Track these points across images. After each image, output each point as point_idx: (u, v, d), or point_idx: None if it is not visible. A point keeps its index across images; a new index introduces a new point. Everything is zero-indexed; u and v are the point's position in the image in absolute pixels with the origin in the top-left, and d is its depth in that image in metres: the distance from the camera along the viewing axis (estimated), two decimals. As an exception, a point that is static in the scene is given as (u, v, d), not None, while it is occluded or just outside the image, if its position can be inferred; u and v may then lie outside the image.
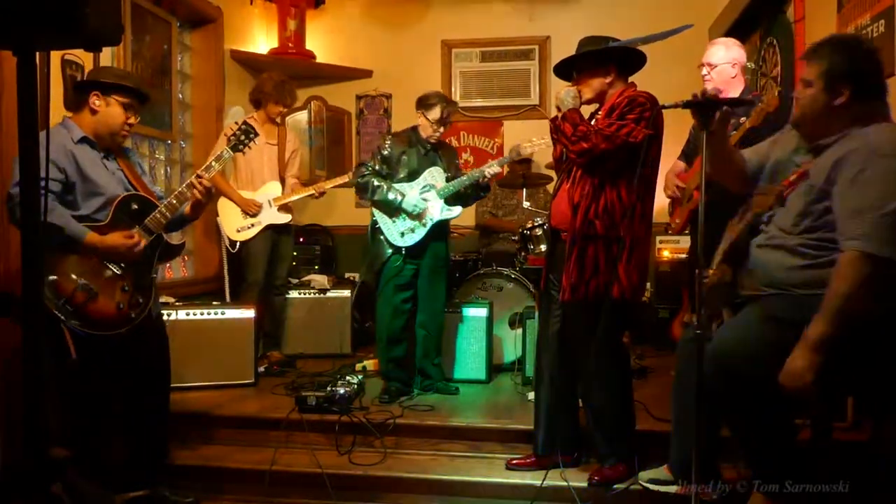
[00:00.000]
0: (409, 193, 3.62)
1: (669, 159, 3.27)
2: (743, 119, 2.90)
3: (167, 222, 2.69)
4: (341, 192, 5.40)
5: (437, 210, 3.66)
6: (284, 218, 4.25)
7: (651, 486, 2.59)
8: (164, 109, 4.56)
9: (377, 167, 3.68)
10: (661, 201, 3.04)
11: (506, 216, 5.00)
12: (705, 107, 2.26)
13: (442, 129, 3.68)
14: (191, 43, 4.94)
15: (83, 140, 2.60)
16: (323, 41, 5.66)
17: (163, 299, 3.68)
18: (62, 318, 2.44)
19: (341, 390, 3.29)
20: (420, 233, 3.64)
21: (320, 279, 4.71)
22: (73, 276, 2.49)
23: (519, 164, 4.84)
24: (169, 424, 2.90)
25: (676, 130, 3.28)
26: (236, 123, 2.91)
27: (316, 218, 5.57)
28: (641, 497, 2.61)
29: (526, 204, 4.60)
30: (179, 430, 3.12)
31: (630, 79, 2.78)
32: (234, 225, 4.19)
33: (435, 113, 3.62)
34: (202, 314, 3.78)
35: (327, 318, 4.60)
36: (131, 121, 2.68)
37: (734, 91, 3.29)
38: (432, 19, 5.66)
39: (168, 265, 4.57)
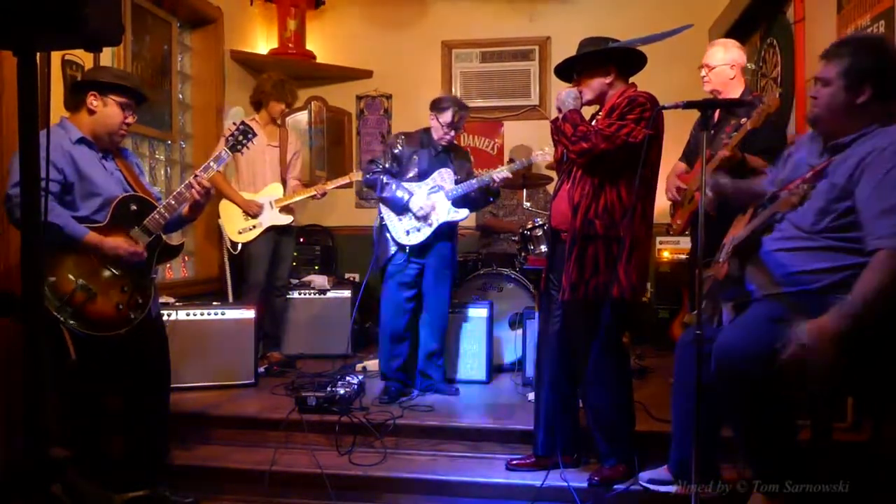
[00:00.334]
0: (417, 193, 3.63)
1: (670, 160, 3.27)
2: (744, 120, 2.90)
3: (166, 223, 2.68)
4: (341, 193, 5.41)
5: (444, 211, 3.66)
6: (286, 219, 4.25)
7: (651, 487, 2.59)
8: (164, 110, 4.56)
9: (388, 165, 3.70)
10: (661, 202, 3.04)
11: (506, 216, 5.00)
12: (705, 107, 2.28)
13: (453, 133, 3.70)
14: (191, 43, 4.94)
15: (81, 140, 2.60)
16: (323, 41, 5.67)
17: (163, 299, 3.68)
18: (61, 318, 2.43)
19: (341, 391, 3.29)
20: (425, 233, 3.64)
21: (320, 280, 4.72)
22: (72, 277, 2.49)
23: (525, 168, 4.85)
24: (169, 424, 2.90)
25: (677, 131, 3.28)
26: (234, 124, 2.91)
27: (316, 218, 5.57)
28: (641, 497, 2.61)
29: (526, 204, 4.60)
30: (179, 431, 3.12)
31: (631, 79, 2.79)
32: (236, 226, 4.19)
33: (446, 116, 3.63)
34: (202, 314, 3.79)
35: (327, 318, 4.61)
36: (129, 120, 2.67)
37: (734, 92, 3.29)
38: (432, 20, 5.66)
39: (169, 266, 4.56)
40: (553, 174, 4.00)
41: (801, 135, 2.34)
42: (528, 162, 3.84)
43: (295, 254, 4.65)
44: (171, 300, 3.87)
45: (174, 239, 2.88)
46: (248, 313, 3.87)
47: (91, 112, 2.62)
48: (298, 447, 3.13)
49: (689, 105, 2.21)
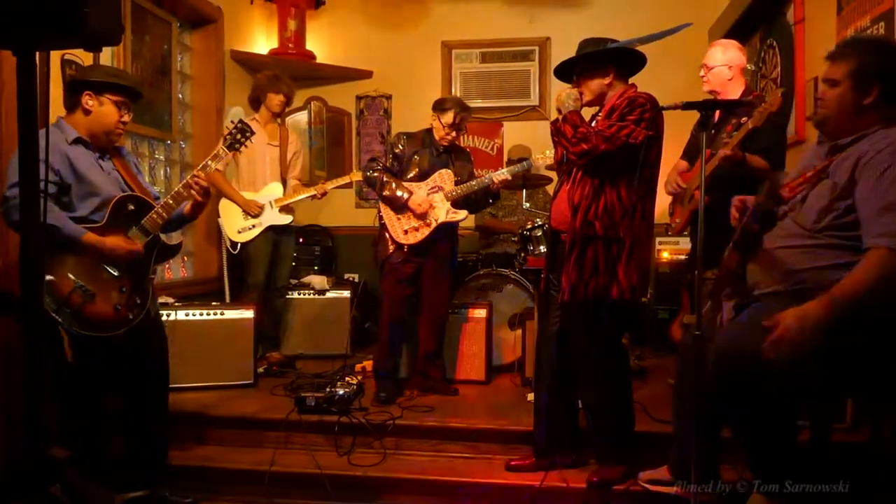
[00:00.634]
0: (417, 192, 3.63)
1: (670, 160, 3.27)
2: (745, 119, 2.90)
3: (164, 223, 2.67)
4: (341, 193, 5.40)
5: (443, 212, 3.66)
6: (286, 219, 4.25)
7: (650, 487, 2.59)
8: (163, 109, 4.56)
9: (388, 164, 3.71)
10: (661, 203, 3.04)
11: (505, 217, 5.00)
12: (704, 108, 2.28)
13: (454, 134, 3.70)
14: (191, 43, 4.94)
15: (77, 141, 2.59)
16: (323, 42, 5.66)
17: (162, 300, 3.68)
18: (59, 319, 2.43)
19: (341, 391, 3.29)
20: (423, 232, 3.64)
21: (319, 280, 4.71)
22: (70, 278, 2.47)
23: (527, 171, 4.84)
24: (168, 425, 2.90)
25: (677, 131, 3.28)
26: (232, 122, 2.91)
27: (315, 219, 5.57)
28: (641, 498, 2.61)
29: (526, 205, 4.60)
30: (178, 431, 3.11)
31: (630, 80, 2.78)
32: (235, 226, 4.19)
33: (448, 117, 3.64)
34: (201, 314, 3.78)
35: (327, 318, 4.60)
36: (125, 119, 2.66)
37: (733, 93, 3.30)
38: (432, 20, 5.66)
39: (168, 266, 4.56)
40: (553, 175, 4.00)
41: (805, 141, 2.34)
42: (528, 165, 3.84)
43: (294, 254, 4.65)
44: (171, 300, 3.86)
45: (173, 239, 2.87)
46: (247, 313, 3.87)
47: (87, 112, 2.61)
48: (298, 447, 3.13)
49: (687, 106, 2.21)
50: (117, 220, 2.60)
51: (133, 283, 2.61)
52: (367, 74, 5.72)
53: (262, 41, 5.62)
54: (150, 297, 2.67)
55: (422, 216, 3.63)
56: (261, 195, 4.22)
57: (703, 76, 3.37)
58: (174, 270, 4.68)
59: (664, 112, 2.49)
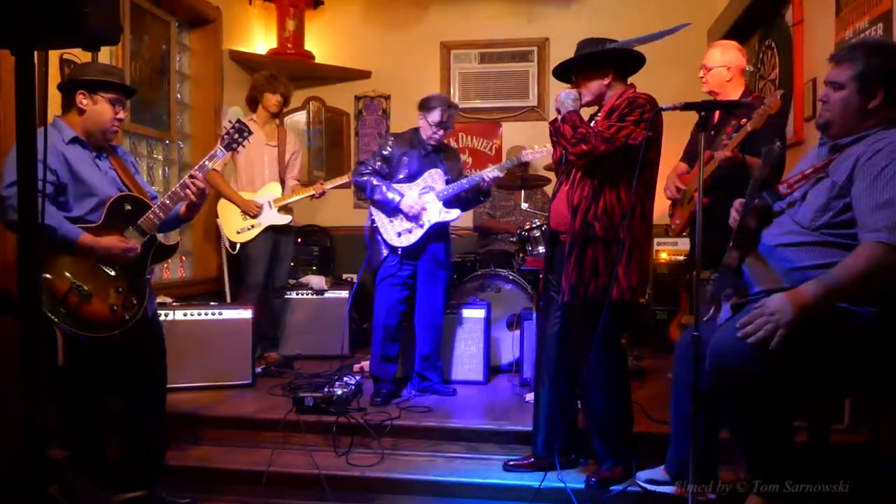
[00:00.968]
0: (408, 194, 3.62)
1: (669, 161, 3.27)
2: (744, 121, 2.90)
3: (161, 223, 2.67)
4: (340, 193, 5.40)
5: (436, 212, 3.65)
6: (284, 219, 4.24)
7: (649, 487, 2.59)
8: (162, 109, 4.55)
9: (377, 166, 3.68)
10: (660, 203, 3.04)
11: (503, 217, 5.00)
12: (702, 109, 2.28)
13: (442, 132, 3.67)
14: (189, 43, 4.94)
15: (74, 140, 2.58)
16: (322, 42, 5.66)
17: (160, 300, 3.67)
18: (56, 320, 2.42)
19: (339, 391, 3.29)
20: (417, 234, 3.63)
21: (318, 280, 4.71)
22: (67, 277, 2.47)
23: (517, 167, 4.84)
24: (166, 425, 2.89)
25: (677, 132, 3.29)
26: (230, 122, 2.90)
27: (314, 219, 5.57)
28: (639, 498, 2.61)
29: (524, 205, 4.60)
30: (176, 431, 3.11)
31: (629, 80, 2.78)
32: (234, 226, 4.19)
33: (434, 116, 3.61)
34: (199, 314, 3.78)
35: (325, 319, 4.60)
36: (120, 116, 2.65)
37: (732, 94, 3.30)
38: (431, 20, 5.66)
39: (166, 266, 4.56)
40: (551, 175, 4.01)
41: (805, 143, 2.34)
42: (518, 161, 3.84)
43: (293, 254, 4.65)
44: (169, 300, 3.86)
45: (170, 238, 2.87)
46: (246, 314, 3.87)
47: (81, 111, 2.60)
48: (296, 448, 3.13)
49: (686, 107, 2.21)
50: (114, 220, 2.59)
51: (129, 283, 2.60)
52: (365, 75, 5.72)
53: (260, 41, 5.62)
54: (146, 297, 2.67)
55: (414, 218, 3.62)
56: (259, 195, 4.22)
57: (702, 77, 3.38)
58: (173, 271, 4.67)
59: (663, 112, 2.49)
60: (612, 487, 2.67)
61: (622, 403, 2.76)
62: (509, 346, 4.13)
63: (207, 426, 3.27)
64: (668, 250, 4.93)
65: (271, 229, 4.20)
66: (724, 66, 3.30)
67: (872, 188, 1.94)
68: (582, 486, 2.69)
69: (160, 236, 2.73)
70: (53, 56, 3.25)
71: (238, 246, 4.18)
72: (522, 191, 4.61)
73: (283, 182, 4.31)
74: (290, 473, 2.93)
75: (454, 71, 5.65)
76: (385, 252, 3.65)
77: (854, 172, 1.99)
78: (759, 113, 2.79)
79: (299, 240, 5.17)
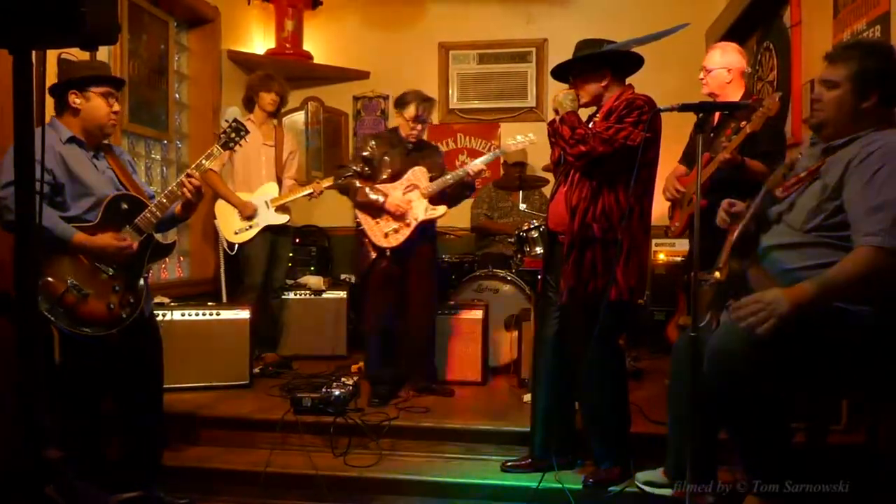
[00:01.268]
0: (392, 194, 3.60)
1: (668, 162, 3.27)
2: (743, 123, 2.90)
3: (157, 222, 2.66)
4: (337, 193, 5.36)
5: (422, 210, 3.62)
6: (282, 219, 4.24)
7: (647, 490, 2.59)
8: (160, 109, 4.55)
9: (359, 168, 3.66)
10: (659, 205, 3.04)
11: (501, 218, 5.00)
12: (700, 110, 2.28)
13: (420, 127, 3.66)
14: (188, 43, 4.93)
15: (71, 140, 2.57)
16: (320, 42, 5.66)
17: (158, 300, 3.67)
18: (52, 319, 2.42)
19: (336, 392, 3.29)
20: (404, 233, 3.59)
21: (315, 281, 4.70)
22: (64, 277, 2.47)
23: (514, 167, 4.85)
24: (164, 425, 2.89)
25: (676, 133, 3.28)
26: (227, 122, 2.90)
27: (312, 219, 5.56)
28: (637, 499, 2.61)
29: (522, 206, 4.60)
30: (174, 431, 3.10)
31: (628, 80, 2.79)
32: (232, 227, 4.18)
33: (410, 111, 3.60)
34: (197, 315, 3.77)
35: (323, 319, 4.60)
36: (115, 109, 2.64)
37: (732, 95, 3.29)
38: (430, 21, 5.66)
39: (164, 266, 4.55)
40: (550, 176, 4.00)
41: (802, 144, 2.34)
42: (500, 152, 3.85)
43: (290, 254, 4.65)
44: (167, 300, 3.85)
45: (168, 237, 2.86)
46: (243, 314, 3.86)
47: (76, 111, 2.58)
48: (293, 448, 3.13)
49: (684, 107, 2.21)
50: (111, 219, 2.59)
51: (127, 282, 2.60)
52: (364, 75, 5.72)
53: (259, 41, 5.61)
54: (143, 297, 2.66)
55: (400, 217, 3.59)
56: (256, 195, 4.22)
57: (702, 79, 3.37)
58: (170, 271, 4.67)
59: (662, 113, 2.49)
60: (609, 488, 2.67)
61: (620, 404, 2.76)
62: (507, 347, 4.13)
63: (205, 426, 3.27)
64: (666, 251, 4.94)
65: (269, 229, 4.20)
66: (725, 68, 3.29)
67: (866, 191, 1.94)
68: (580, 486, 2.69)
69: (157, 235, 2.73)
70: (51, 56, 3.24)
71: (236, 247, 4.18)
72: (521, 192, 4.61)
73: (280, 182, 4.31)
74: (288, 474, 2.93)
75: (452, 71, 5.65)
76: (373, 254, 3.64)
77: (846, 175, 1.99)
78: (757, 115, 2.79)
79: (297, 240, 5.15)
